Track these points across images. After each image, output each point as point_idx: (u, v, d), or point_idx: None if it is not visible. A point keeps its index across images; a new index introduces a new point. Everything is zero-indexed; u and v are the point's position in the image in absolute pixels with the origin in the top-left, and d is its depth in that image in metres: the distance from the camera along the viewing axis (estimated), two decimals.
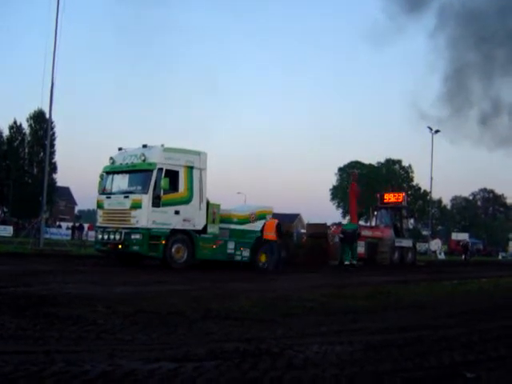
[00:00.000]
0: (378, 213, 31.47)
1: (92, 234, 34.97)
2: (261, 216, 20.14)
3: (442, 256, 53.57)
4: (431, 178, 54.53)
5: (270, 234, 19.26)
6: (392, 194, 31.95)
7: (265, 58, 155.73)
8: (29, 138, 65.24)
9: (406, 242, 29.20)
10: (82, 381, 4.06)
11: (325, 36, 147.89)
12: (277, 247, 19.49)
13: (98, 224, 18.55)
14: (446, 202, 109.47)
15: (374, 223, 31.91)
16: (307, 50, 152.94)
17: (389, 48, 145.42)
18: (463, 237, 77.64)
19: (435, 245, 59.36)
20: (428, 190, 65.40)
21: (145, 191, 17.00)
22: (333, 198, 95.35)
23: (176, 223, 17.43)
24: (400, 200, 30.61)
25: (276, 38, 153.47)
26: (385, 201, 30.95)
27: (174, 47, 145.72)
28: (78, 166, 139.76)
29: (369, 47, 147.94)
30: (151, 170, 17.05)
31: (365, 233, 27.17)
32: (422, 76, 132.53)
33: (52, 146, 58.87)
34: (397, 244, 28.06)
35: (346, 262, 23.10)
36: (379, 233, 28.10)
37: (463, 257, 45.12)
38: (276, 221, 19.84)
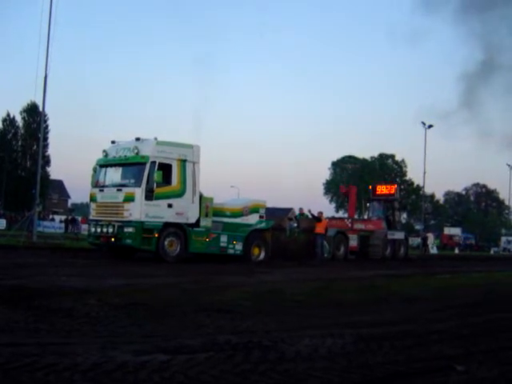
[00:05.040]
0: (371, 205, 31.39)
1: (85, 227, 34.91)
2: (254, 210, 20.16)
3: (434, 250, 53.80)
4: (424, 173, 54.62)
5: (322, 229, 22.79)
6: (384, 186, 31.80)
7: (262, 50, 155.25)
8: (22, 131, 64.97)
9: (399, 235, 29.09)
10: (74, 372, 4.07)
11: (323, 29, 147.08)
12: (323, 240, 23.01)
13: (90, 217, 18.51)
14: (439, 196, 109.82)
15: (366, 216, 31.89)
16: (303, 43, 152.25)
17: (391, 44, 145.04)
18: (456, 231, 78.05)
19: (428, 239, 59.52)
20: (421, 185, 65.53)
21: (138, 184, 16.96)
22: (326, 193, 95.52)
23: (169, 216, 17.41)
24: (392, 192, 30.47)
25: (275, 31, 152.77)
26: (377, 193, 30.85)
27: (172, 40, 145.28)
28: (71, 159, 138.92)
29: (369, 43, 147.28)
30: (144, 163, 17.01)
31: (357, 226, 27.17)
32: (433, 74, 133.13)
33: (45, 138, 58.69)
34: (389, 236, 27.98)
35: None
36: (371, 225, 28.08)
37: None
38: (326, 220, 24.21)
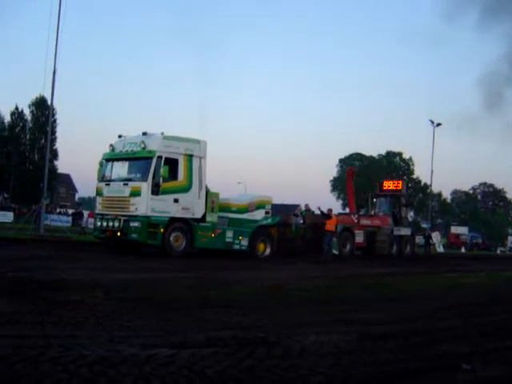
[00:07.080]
0: (377, 201, 31.18)
1: (92, 221, 34.96)
2: (260, 205, 20.15)
3: (441, 249, 53.67)
4: (431, 171, 54.40)
5: (332, 227, 22.80)
6: (391, 182, 31.58)
7: (265, 45, 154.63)
8: (30, 125, 65.09)
9: (405, 231, 28.89)
10: (80, 365, 4.08)
11: (328, 25, 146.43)
12: (332, 237, 23.03)
13: (97, 211, 18.55)
14: (446, 195, 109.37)
15: (372, 212, 31.69)
16: (308, 37, 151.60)
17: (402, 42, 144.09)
18: (462, 230, 77.70)
19: (434, 238, 59.36)
20: (428, 183, 65.36)
21: (144, 179, 16.98)
22: (333, 190, 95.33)
23: (175, 211, 17.42)
24: (399, 187, 30.30)
25: (277, 28, 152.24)
26: (384, 188, 30.66)
27: (177, 38, 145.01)
28: (78, 153, 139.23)
29: (380, 43, 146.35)
30: (151, 158, 17.02)
31: (363, 221, 27.04)
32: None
33: (53, 132, 58.69)
34: (395, 233, 27.82)
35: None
36: (378, 221, 27.91)
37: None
38: (336, 218, 24.15)
